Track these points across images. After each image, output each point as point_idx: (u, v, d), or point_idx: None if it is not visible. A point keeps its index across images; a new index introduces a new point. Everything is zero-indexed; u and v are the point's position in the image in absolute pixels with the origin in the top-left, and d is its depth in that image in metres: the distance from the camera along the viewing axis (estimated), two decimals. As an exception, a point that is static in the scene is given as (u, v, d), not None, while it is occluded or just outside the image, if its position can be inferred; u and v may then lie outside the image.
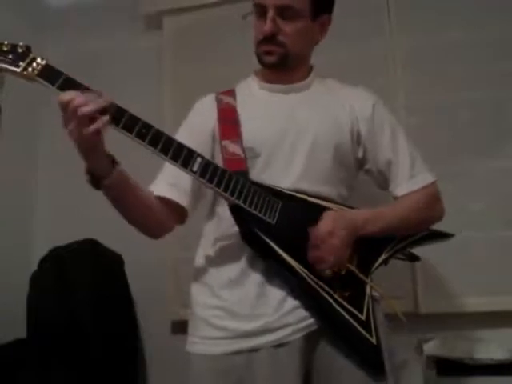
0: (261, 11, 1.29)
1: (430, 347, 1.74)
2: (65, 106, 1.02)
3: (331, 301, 1.19)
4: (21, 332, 1.88)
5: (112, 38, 2.39)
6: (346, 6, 2.07)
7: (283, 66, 1.32)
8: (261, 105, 1.36)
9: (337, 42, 2.04)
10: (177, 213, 1.31)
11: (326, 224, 1.21)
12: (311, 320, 1.20)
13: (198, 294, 1.31)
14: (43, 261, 1.99)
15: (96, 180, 1.11)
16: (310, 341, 1.21)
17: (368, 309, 1.22)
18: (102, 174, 1.10)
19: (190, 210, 1.32)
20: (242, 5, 1.54)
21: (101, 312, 1.92)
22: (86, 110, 1.02)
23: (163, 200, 1.28)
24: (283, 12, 1.27)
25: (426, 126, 1.97)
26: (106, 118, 1.04)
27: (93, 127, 1.03)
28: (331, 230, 1.20)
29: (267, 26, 1.27)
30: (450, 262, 1.84)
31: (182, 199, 1.29)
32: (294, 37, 1.29)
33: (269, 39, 1.28)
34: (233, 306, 1.23)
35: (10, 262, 2.12)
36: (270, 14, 1.26)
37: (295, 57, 1.32)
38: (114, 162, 1.12)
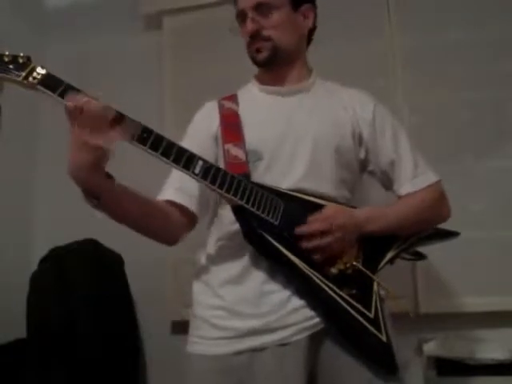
0: (242, 18, 1.35)
1: (431, 347, 1.74)
2: (79, 111, 1.02)
3: (338, 299, 1.18)
4: (21, 332, 1.88)
5: (112, 38, 2.39)
6: (346, 6, 2.09)
7: (275, 60, 1.34)
8: (261, 108, 1.37)
9: (337, 42, 2.05)
10: (185, 217, 1.30)
11: (326, 210, 1.22)
12: (317, 320, 1.19)
13: (200, 293, 1.31)
14: (43, 261, 1.99)
15: (95, 199, 1.10)
16: (315, 341, 1.20)
17: (376, 306, 1.21)
18: (100, 190, 1.09)
19: (199, 215, 1.32)
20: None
21: (101, 312, 1.92)
22: (111, 112, 1.03)
23: (172, 204, 1.28)
24: (260, 9, 1.31)
25: (426, 126, 1.97)
26: (133, 124, 1.06)
27: (116, 133, 1.04)
28: (331, 215, 1.21)
29: (249, 25, 1.32)
30: (450, 261, 1.84)
31: (189, 203, 1.29)
32: (276, 28, 1.32)
33: (255, 37, 1.32)
34: (234, 305, 1.22)
35: (9, 262, 2.12)
36: (250, 14, 1.32)
37: (285, 50, 1.34)
38: (109, 176, 1.11)
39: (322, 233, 1.19)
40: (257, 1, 1.31)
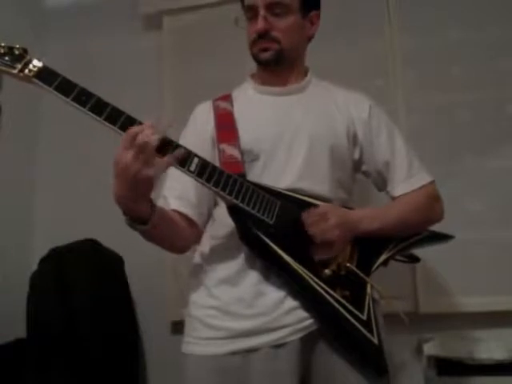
0: (252, 13, 1.32)
1: (430, 347, 1.74)
2: (132, 140, 0.99)
3: (331, 300, 1.18)
4: (21, 332, 1.88)
5: (112, 38, 2.39)
6: (346, 6, 2.09)
7: (279, 62, 1.33)
8: (257, 108, 1.36)
9: (337, 42, 2.05)
10: (193, 228, 1.30)
11: (320, 208, 1.22)
12: (310, 321, 1.19)
13: (195, 293, 1.30)
14: (43, 261, 1.99)
15: (137, 223, 1.10)
16: (309, 342, 1.20)
17: (369, 309, 1.21)
18: (145, 217, 1.10)
19: (200, 223, 1.32)
20: (242, 5, 1.54)
21: (101, 312, 1.91)
22: (155, 139, 1.00)
23: (177, 213, 1.28)
24: (274, 9, 1.30)
25: (426, 126, 1.97)
26: (180, 151, 1.06)
27: (166, 161, 1.03)
28: (324, 212, 1.20)
29: (260, 24, 1.29)
30: (449, 262, 1.84)
31: (194, 214, 1.29)
32: (286, 32, 1.31)
33: (263, 36, 1.31)
34: (229, 305, 1.22)
35: (10, 262, 2.12)
36: (262, 12, 1.29)
37: (290, 53, 1.33)
38: (151, 202, 1.12)
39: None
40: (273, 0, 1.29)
